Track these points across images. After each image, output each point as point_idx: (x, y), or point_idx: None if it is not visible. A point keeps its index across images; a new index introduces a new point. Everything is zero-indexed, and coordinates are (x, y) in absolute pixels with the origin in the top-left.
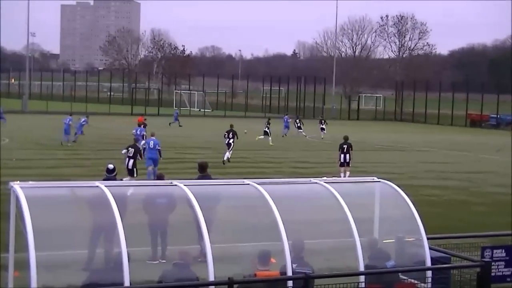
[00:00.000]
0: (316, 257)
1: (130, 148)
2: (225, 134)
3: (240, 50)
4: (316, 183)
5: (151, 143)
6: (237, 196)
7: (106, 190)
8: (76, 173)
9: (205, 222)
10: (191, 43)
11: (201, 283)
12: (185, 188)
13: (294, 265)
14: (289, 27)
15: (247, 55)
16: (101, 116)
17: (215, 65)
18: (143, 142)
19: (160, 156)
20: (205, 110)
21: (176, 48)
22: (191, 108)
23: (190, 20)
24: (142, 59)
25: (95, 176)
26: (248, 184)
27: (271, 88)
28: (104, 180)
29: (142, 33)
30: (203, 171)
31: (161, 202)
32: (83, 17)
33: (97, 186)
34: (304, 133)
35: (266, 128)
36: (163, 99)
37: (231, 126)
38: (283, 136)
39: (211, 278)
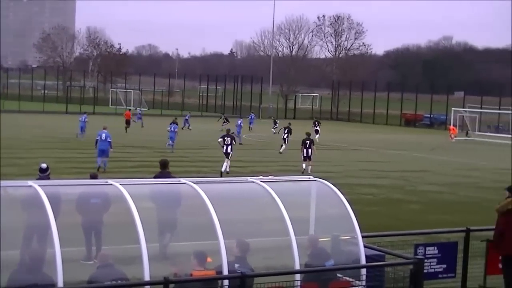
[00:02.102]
0: (254, 256)
1: (226, 138)
2: (283, 130)
3: (177, 49)
4: (252, 182)
5: (103, 135)
6: (174, 196)
7: (39, 189)
8: (9, 172)
9: (141, 222)
10: (127, 41)
11: (137, 282)
12: (120, 187)
13: (236, 265)
14: (227, 26)
15: (184, 54)
16: (35, 115)
17: (151, 64)
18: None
19: (111, 148)
20: (142, 109)
21: (112, 46)
22: (127, 107)
23: (127, 18)
24: (77, 57)
25: (28, 175)
26: (185, 183)
27: (208, 87)
28: (37, 179)
29: (78, 31)
30: (163, 168)
31: (95, 202)
32: (16, 13)
33: (30, 186)
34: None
35: (316, 127)
36: (98, 98)
37: (289, 124)
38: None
39: (147, 278)
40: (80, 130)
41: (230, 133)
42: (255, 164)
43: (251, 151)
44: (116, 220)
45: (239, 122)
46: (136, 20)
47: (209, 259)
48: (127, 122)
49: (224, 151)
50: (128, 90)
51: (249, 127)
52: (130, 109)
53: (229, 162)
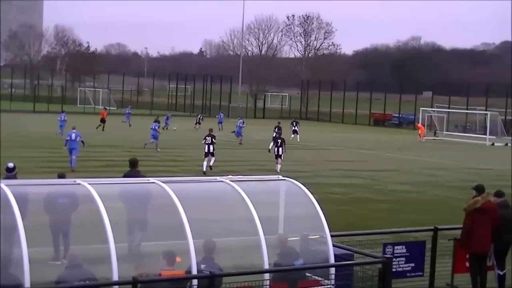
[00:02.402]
0: (223, 255)
1: (207, 137)
2: (274, 129)
3: (146, 48)
4: (222, 181)
5: (73, 135)
6: (143, 195)
7: (6, 189)
8: None
9: (110, 221)
10: (96, 40)
11: (105, 283)
12: (88, 186)
13: (203, 266)
14: (196, 26)
15: (153, 53)
16: (2, 114)
17: (120, 63)
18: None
19: (83, 145)
20: (110, 108)
21: (80, 44)
22: (95, 106)
23: (95, 17)
24: (45, 56)
25: None
26: (154, 182)
27: (177, 86)
28: (4, 179)
29: (45, 29)
30: (133, 167)
31: (63, 202)
32: None
33: None
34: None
35: (294, 127)
36: (66, 96)
37: (279, 123)
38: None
39: (115, 278)
40: (59, 128)
41: (211, 133)
42: (225, 164)
43: (221, 150)
44: (84, 219)
45: (239, 123)
46: (105, 19)
47: (178, 259)
48: (102, 121)
49: (206, 150)
50: (96, 89)
51: (218, 127)
52: (106, 108)
53: (212, 161)
